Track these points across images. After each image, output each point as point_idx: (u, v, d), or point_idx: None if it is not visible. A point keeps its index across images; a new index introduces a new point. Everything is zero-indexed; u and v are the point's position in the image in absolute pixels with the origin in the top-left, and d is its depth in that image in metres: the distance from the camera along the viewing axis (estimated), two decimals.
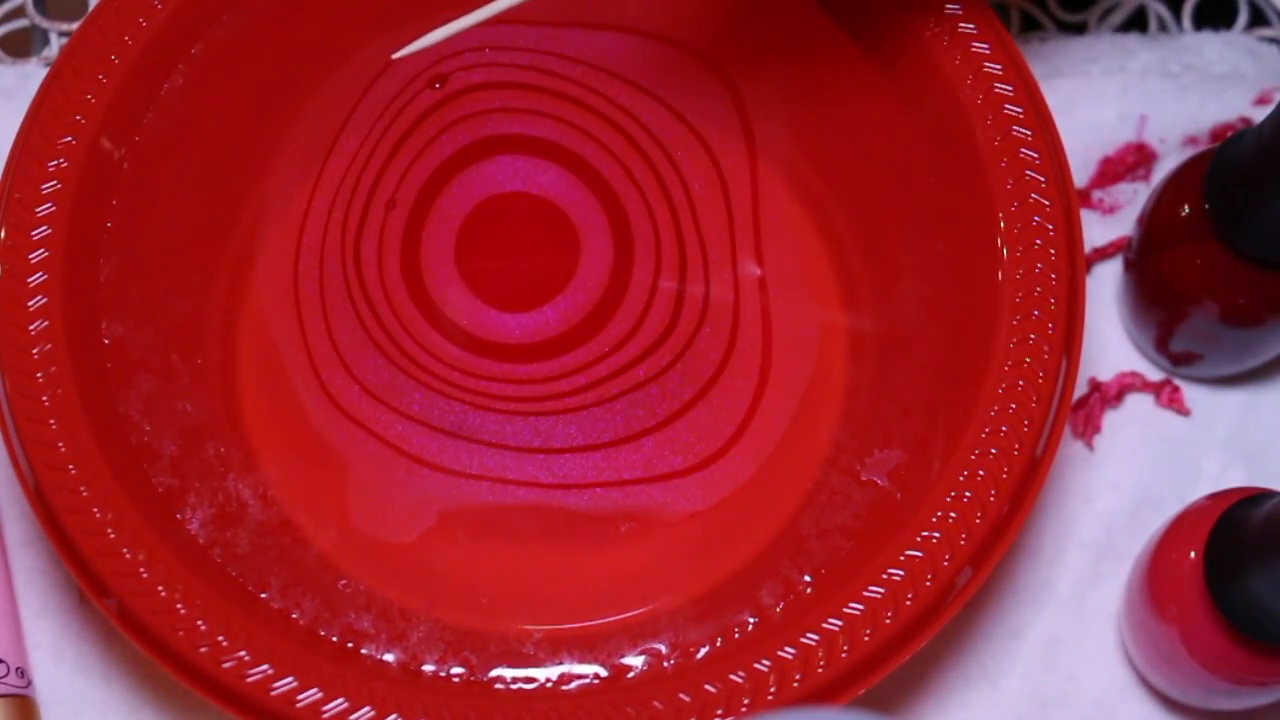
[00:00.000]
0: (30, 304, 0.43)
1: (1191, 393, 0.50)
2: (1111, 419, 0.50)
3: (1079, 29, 0.55)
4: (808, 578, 0.44)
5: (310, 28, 0.50)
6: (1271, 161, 0.42)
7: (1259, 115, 0.52)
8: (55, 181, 0.45)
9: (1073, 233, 0.44)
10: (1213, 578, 0.41)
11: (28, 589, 0.48)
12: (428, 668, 0.43)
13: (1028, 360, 0.43)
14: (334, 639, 0.43)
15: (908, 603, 0.41)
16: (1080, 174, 0.52)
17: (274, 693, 0.40)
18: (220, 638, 0.41)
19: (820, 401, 0.48)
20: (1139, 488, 0.49)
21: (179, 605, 0.41)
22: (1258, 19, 0.55)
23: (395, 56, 0.47)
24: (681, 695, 0.40)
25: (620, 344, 0.49)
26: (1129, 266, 0.49)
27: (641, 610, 0.45)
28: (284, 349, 0.49)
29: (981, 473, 0.42)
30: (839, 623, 0.41)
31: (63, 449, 0.42)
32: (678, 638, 0.44)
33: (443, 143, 0.51)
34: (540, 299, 0.49)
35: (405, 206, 0.50)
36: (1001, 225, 0.44)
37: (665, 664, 0.43)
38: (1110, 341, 0.51)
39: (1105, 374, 0.50)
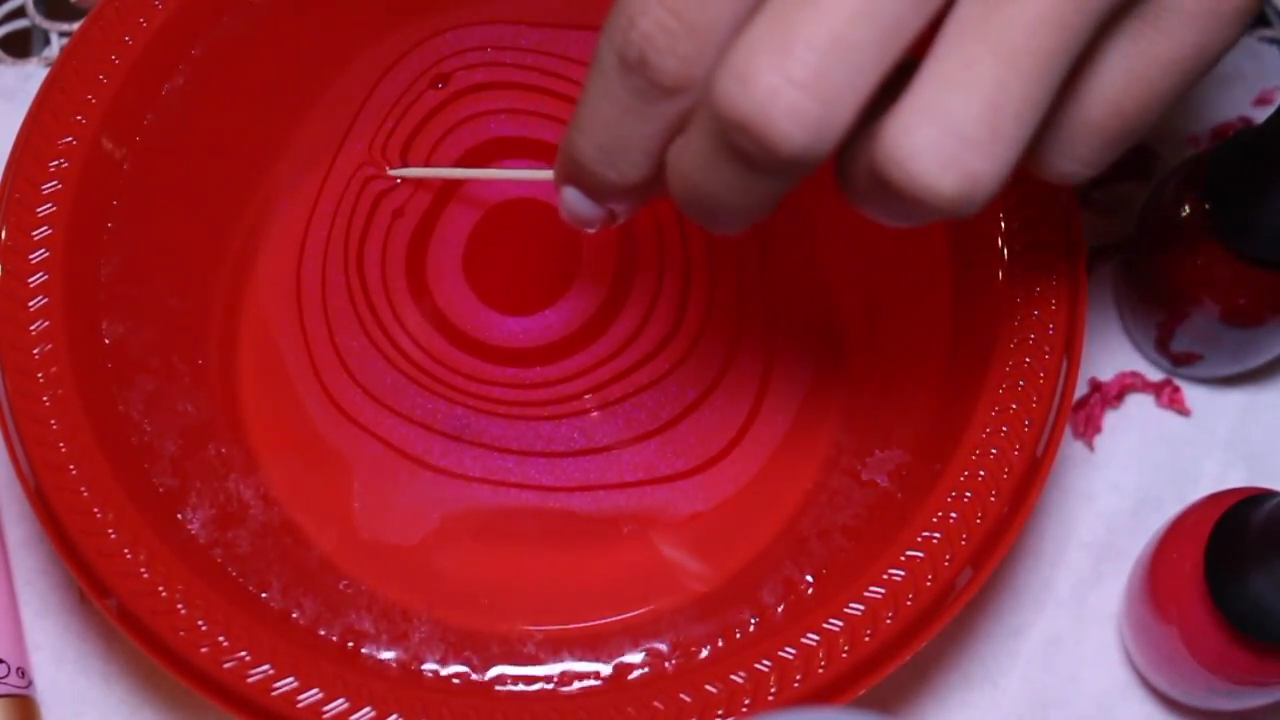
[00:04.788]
0: (31, 304, 0.43)
1: (1192, 393, 0.50)
2: (1112, 419, 0.50)
3: None
4: (809, 578, 0.44)
5: (312, 29, 0.50)
6: (1271, 161, 0.42)
7: (1259, 115, 0.52)
8: (56, 182, 0.45)
9: (1073, 233, 0.44)
10: (1213, 578, 0.41)
11: (28, 589, 0.48)
12: (429, 668, 0.43)
13: (1028, 360, 0.43)
14: (335, 639, 0.43)
15: (908, 603, 0.41)
16: None
17: (274, 693, 0.40)
18: (221, 638, 0.41)
19: (821, 402, 0.48)
20: (1140, 488, 0.49)
21: (180, 606, 0.41)
22: (1258, 19, 0.55)
23: (392, 173, 0.49)
24: (682, 695, 0.40)
25: (623, 347, 0.49)
26: (1129, 266, 0.49)
27: (642, 610, 0.45)
28: (285, 350, 0.49)
29: (982, 473, 0.42)
30: (840, 623, 0.41)
31: (63, 449, 0.42)
32: (679, 638, 0.44)
33: (448, 146, 0.51)
34: (544, 302, 0.49)
35: (413, 213, 0.50)
36: (1001, 225, 0.44)
37: (666, 664, 0.43)
38: (1110, 341, 0.51)
39: (1105, 374, 0.50)
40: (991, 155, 0.31)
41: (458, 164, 0.51)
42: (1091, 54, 0.33)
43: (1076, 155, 0.35)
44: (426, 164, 0.51)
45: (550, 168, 0.38)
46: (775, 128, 0.30)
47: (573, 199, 0.38)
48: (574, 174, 0.37)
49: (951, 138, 0.30)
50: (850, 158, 0.33)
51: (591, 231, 0.39)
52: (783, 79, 0.30)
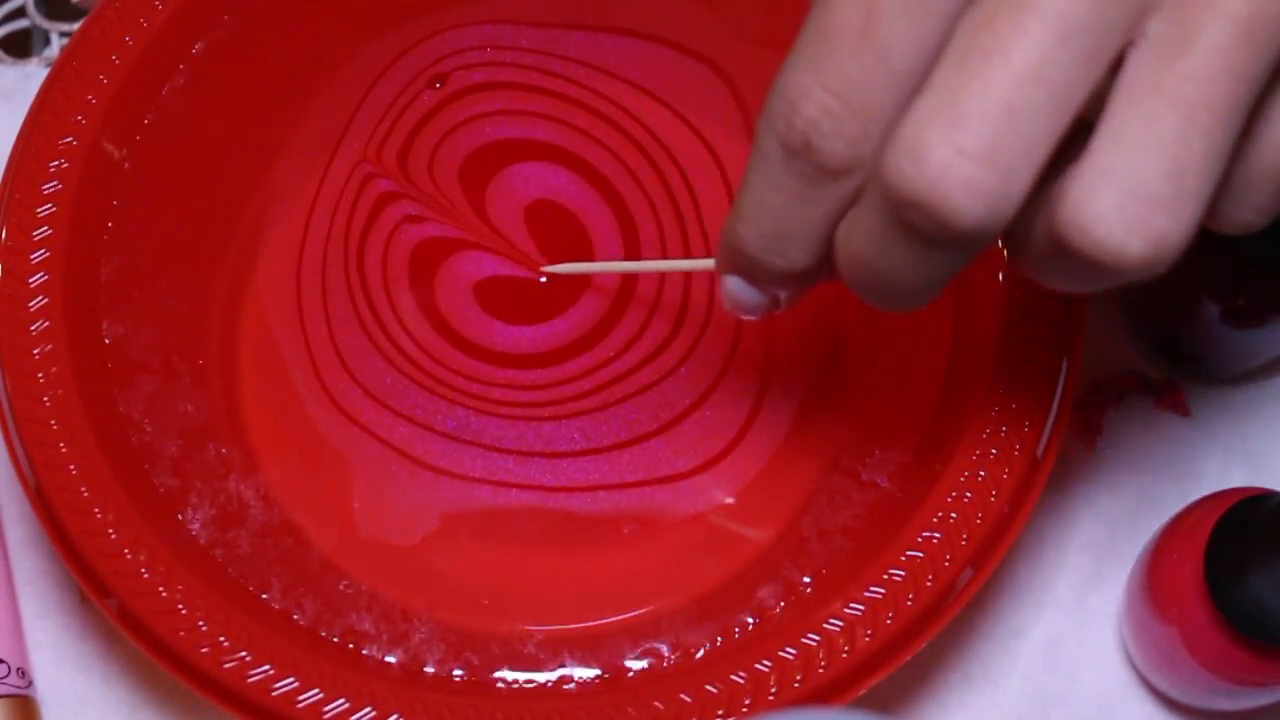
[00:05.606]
0: (31, 304, 0.43)
1: (1192, 393, 0.50)
2: (1112, 419, 0.50)
3: None
4: (808, 578, 0.44)
5: (312, 28, 0.50)
6: None
7: None
8: (56, 182, 0.45)
9: None
10: (1213, 578, 0.41)
11: (29, 590, 0.48)
12: (429, 668, 0.43)
13: (1028, 360, 0.43)
14: (335, 640, 0.43)
15: (909, 603, 0.41)
16: None
17: (275, 693, 0.40)
18: (221, 638, 0.41)
19: (821, 403, 0.48)
20: (1139, 488, 0.49)
21: (180, 606, 0.41)
22: None
23: (546, 269, 0.48)
24: (682, 696, 0.40)
25: (624, 349, 0.49)
26: None
27: (643, 611, 0.45)
28: (285, 351, 0.49)
29: (982, 473, 0.42)
30: (840, 623, 0.41)
31: (64, 449, 0.42)
32: (679, 638, 0.44)
33: (446, 147, 0.51)
34: (547, 309, 0.49)
35: (422, 220, 0.50)
36: None
37: (666, 664, 0.43)
38: (1110, 341, 0.51)
39: (1105, 374, 0.50)
40: (1178, 213, 0.30)
41: (460, 169, 0.50)
42: (1264, 101, 0.32)
43: (1254, 204, 0.33)
44: (428, 169, 0.50)
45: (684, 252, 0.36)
46: (951, 203, 0.30)
47: (737, 288, 0.37)
48: (739, 263, 0.36)
49: (1136, 198, 0.30)
50: (1025, 226, 0.32)
51: (753, 318, 0.38)
52: (955, 152, 0.29)
